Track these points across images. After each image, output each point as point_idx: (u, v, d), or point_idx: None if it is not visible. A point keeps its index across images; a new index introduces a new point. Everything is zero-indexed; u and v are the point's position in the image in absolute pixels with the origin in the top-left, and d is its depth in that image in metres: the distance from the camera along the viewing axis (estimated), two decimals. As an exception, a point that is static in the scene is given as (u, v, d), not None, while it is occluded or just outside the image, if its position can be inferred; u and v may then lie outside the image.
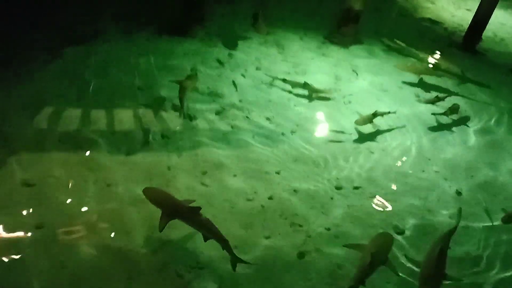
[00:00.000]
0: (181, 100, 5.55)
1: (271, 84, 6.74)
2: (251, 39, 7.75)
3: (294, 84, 6.68)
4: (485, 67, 8.68)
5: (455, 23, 10.44)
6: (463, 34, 9.50)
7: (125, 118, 5.49)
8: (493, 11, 9.05)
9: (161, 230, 3.74)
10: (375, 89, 7.21)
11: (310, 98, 6.60)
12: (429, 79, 7.61)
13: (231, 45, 7.46)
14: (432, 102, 6.80)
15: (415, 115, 6.75)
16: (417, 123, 6.60)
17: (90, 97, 5.70)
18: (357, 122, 6.04)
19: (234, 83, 6.53)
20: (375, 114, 6.06)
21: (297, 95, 6.61)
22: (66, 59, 6.23)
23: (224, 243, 3.78)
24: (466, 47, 9.23)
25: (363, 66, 7.77)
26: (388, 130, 6.30)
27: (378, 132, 6.21)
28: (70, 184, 4.50)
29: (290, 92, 6.63)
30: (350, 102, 6.73)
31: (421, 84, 7.49)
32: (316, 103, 6.55)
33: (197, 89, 6.16)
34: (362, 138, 6.05)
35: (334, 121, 6.27)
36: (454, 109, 6.59)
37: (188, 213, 3.83)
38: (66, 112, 5.35)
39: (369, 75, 7.54)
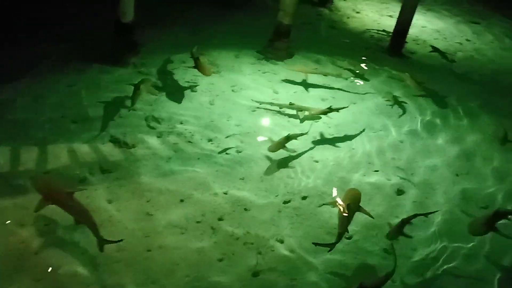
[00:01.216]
0: (133, 98, 5.87)
1: (210, 104, 6.74)
2: (186, 62, 7.70)
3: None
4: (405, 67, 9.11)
5: (380, 30, 10.98)
6: (389, 39, 10.02)
7: (60, 154, 5.25)
8: (412, 16, 9.64)
9: (35, 211, 4.08)
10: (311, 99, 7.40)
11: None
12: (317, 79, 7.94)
13: (166, 69, 7.39)
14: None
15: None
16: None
17: (22, 136, 5.41)
18: (270, 149, 5.78)
19: (153, 119, 6.27)
20: (288, 138, 5.87)
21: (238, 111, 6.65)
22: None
23: (93, 227, 4.01)
24: (393, 51, 9.74)
25: (296, 79, 7.96)
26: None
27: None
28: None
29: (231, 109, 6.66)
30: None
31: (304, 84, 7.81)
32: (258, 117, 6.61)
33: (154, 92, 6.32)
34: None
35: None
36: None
37: (63, 198, 4.10)
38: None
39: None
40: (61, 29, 7.84)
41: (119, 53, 7.19)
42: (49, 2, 8.26)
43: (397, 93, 8.02)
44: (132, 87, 6.05)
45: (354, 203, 4.50)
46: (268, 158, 5.88)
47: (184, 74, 7.36)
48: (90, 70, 6.93)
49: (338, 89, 7.88)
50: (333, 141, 6.50)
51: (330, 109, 6.57)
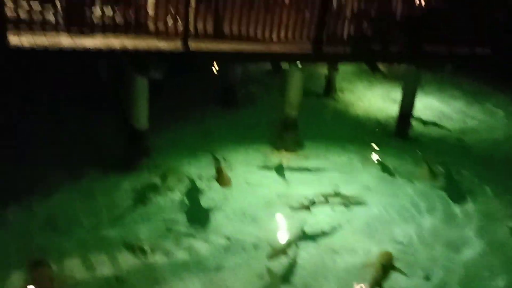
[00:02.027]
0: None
1: (224, 199, 6.73)
2: (200, 160, 7.85)
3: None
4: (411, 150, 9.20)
5: (386, 115, 11.28)
6: (395, 123, 10.25)
7: (75, 266, 5.14)
8: (414, 99, 9.94)
9: None
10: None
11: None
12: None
13: (180, 172, 7.47)
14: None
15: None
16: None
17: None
18: (269, 256, 5.46)
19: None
20: (289, 243, 5.71)
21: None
22: (8, 224, 5.78)
23: None
24: (400, 134, 9.93)
25: (308, 169, 8.02)
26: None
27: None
28: None
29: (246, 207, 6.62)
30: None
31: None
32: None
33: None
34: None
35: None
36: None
37: None
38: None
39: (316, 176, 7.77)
40: (72, 136, 8.11)
41: (132, 159, 7.32)
42: (58, 108, 8.63)
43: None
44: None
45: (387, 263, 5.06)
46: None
47: (197, 174, 7.46)
48: (104, 177, 6.99)
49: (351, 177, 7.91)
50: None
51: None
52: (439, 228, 6.58)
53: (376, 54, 8.69)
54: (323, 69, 12.72)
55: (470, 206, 7.28)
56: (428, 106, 12.26)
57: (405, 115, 10.00)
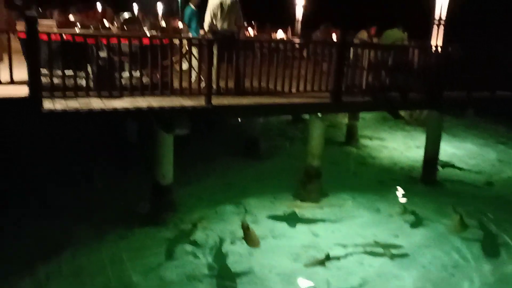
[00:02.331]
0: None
1: (250, 255, 6.66)
2: (224, 216, 7.87)
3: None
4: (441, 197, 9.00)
5: (410, 161, 11.18)
6: (420, 169, 10.13)
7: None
8: (439, 144, 9.86)
9: None
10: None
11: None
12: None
13: (207, 226, 7.50)
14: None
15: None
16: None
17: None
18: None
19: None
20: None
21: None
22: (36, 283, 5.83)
23: None
24: (426, 181, 9.77)
25: (334, 219, 7.92)
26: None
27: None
28: None
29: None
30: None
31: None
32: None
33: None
34: None
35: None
36: None
37: None
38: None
39: (342, 226, 7.65)
40: (99, 194, 8.26)
41: (158, 214, 7.39)
42: (87, 166, 8.89)
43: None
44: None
45: None
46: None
47: (223, 228, 7.46)
48: (130, 233, 7.04)
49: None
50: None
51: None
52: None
53: (395, 102, 8.76)
54: (344, 118, 12.85)
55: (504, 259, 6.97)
56: (453, 150, 12.12)
57: (430, 160, 9.89)
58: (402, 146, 12.58)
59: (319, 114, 8.23)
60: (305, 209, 8.26)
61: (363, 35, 10.60)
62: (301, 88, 7.64)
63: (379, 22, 10.75)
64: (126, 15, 8.58)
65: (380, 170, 10.61)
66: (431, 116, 9.91)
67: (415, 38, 10.17)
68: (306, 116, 10.39)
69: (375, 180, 9.91)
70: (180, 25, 10.69)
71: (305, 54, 8.28)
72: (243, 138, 11.17)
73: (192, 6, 8.66)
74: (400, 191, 9.27)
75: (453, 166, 10.95)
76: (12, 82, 5.81)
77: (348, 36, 8.24)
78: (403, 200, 8.92)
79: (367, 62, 8.07)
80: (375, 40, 10.65)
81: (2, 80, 5.79)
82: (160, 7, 26.93)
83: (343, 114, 12.42)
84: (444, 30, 9.58)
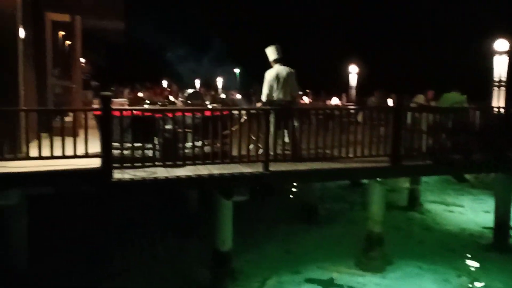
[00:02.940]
0: None
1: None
2: (286, 281, 7.70)
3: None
4: None
5: (479, 226, 10.50)
6: (491, 235, 9.47)
7: None
8: (509, 210, 9.24)
9: None
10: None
11: None
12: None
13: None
14: None
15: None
16: None
17: None
18: None
19: None
20: None
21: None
22: None
23: None
24: (498, 247, 9.09)
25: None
26: None
27: None
28: None
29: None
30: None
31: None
32: None
33: None
34: None
35: None
36: None
37: None
38: None
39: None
40: (159, 261, 8.34)
41: (218, 282, 7.38)
42: (137, 243, 9.09)
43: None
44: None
45: None
46: None
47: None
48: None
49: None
50: None
51: None
52: None
53: (458, 165, 8.46)
54: (405, 182, 12.48)
55: None
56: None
57: (501, 225, 9.23)
58: (469, 211, 11.88)
59: (379, 179, 8.10)
60: (368, 279, 7.91)
61: (419, 99, 10.58)
62: (359, 153, 7.64)
63: (436, 86, 10.72)
64: (190, 90, 9.25)
65: (446, 237, 10.01)
66: (498, 178, 9.40)
67: (475, 100, 9.99)
68: (365, 181, 10.23)
69: (441, 248, 9.34)
70: (238, 96, 11.26)
71: (360, 119, 8.35)
72: (301, 204, 11.11)
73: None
74: (470, 260, 8.65)
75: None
76: (86, 155, 6.32)
77: (404, 100, 8.26)
78: (473, 269, 8.29)
79: (426, 125, 7.98)
80: (432, 103, 10.56)
81: (78, 153, 6.31)
82: (220, 81, 28.86)
83: (404, 178, 12.09)
84: (506, 90, 9.35)
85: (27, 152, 6.14)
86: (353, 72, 19.01)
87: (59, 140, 6.17)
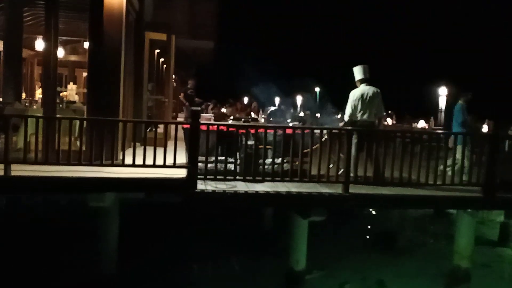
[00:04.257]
0: None
1: None
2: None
3: None
4: None
5: None
6: None
7: None
8: None
9: None
10: None
11: None
12: None
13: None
14: None
15: None
16: None
17: None
18: None
19: None
20: None
21: None
22: None
23: None
24: None
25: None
26: None
27: None
28: None
29: None
30: None
31: None
32: None
33: None
34: None
35: None
36: None
37: None
38: None
39: None
40: (231, 278, 8.38)
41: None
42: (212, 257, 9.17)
43: None
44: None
45: None
46: None
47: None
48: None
49: None
50: None
51: None
52: None
53: None
54: (498, 215, 11.49)
55: None
56: None
57: None
58: None
59: (469, 210, 7.56)
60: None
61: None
62: (448, 180, 7.21)
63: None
64: (272, 108, 9.43)
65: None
66: None
67: None
68: (452, 211, 9.58)
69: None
70: (318, 115, 11.17)
71: (451, 145, 7.88)
72: (380, 230, 10.68)
73: (461, 102, 9.46)
74: None
75: None
76: (174, 165, 6.68)
77: (503, 128, 7.67)
78: None
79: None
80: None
81: (167, 163, 6.70)
82: (299, 99, 29.09)
83: (497, 211, 11.14)
84: None
85: (123, 160, 6.64)
86: (442, 94, 18.03)
87: (151, 150, 6.60)
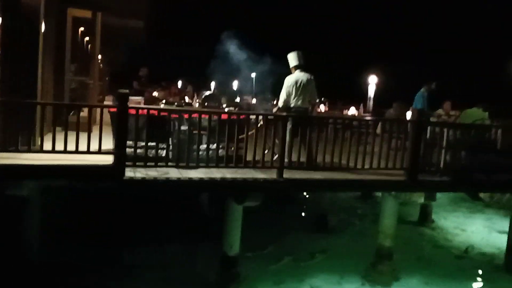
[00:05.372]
0: None
1: None
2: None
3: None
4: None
5: (491, 247, 10.26)
6: (502, 257, 9.24)
7: None
8: (525, 231, 9.02)
9: None
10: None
11: None
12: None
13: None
14: None
15: None
16: None
17: None
18: None
19: None
20: None
21: None
22: None
23: None
24: (509, 270, 8.86)
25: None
26: None
27: None
28: None
29: None
30: None
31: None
32: None
33: None
34: None
35: None
36: None
37: None
38: None
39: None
40: (168, 262, 8.25)
41: (222, 285, 7.30)
42: (148, 243, 9.01)
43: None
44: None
45: None
46: None
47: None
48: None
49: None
50: None
51: None
52: None
53: (476, 184, 8.27)
54: (418, 197, 12.25)
55: None
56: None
57: (514, 248, 9.02)
58: (482, 230, 11.63)
59: (393, 192, 7.95)
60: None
61: (438, 111, 10.39)
62: (374, 164, 7.50)
63: (458, 100, 10.53)
64: (207, 92, 9.22)
65: (457, 256, 9.80)
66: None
67: (499, 117, 9.77)
68: (378, 193, 10.08)
69: (451, 266, 9.13)
70: (254, 101, 11.18)
71: (379, 131, 8.20)
72: (313, 213, 10.98)
73: (423, 90, 9.62)
74: (479, 281, 8.44)
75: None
76: (99, 151, 6.28)
77: (425, 114, 8.11)
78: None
79: (445, 140, 7.82)
80: (451, 113, 10.38)
81: (91, 149, 6.27)
82: (235, 84, 28.85)
83: (418, 193, 11.88)
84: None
85: (41, 145, 6.11)
86: (372, 82, 18.83)
87: (73, 135, 6.14)
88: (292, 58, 7.89)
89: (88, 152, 6.23)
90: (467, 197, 14.26)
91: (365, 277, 8.23)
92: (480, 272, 8.90)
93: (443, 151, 7.85)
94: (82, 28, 14.48)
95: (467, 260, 9.60)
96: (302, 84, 7.69)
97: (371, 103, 18.45)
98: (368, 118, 11.61)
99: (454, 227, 11.81)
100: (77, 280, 7.19)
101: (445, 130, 7.88)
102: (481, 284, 8.39)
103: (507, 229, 9.28)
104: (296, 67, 7.85)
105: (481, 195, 13.66)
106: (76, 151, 6.16)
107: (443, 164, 7.91)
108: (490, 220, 12.53)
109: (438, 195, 12.29)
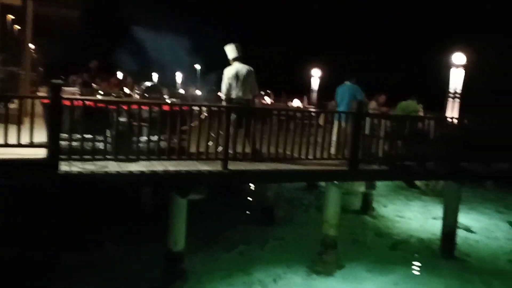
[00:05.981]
0: None
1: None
2: (236, 283, 7.54)
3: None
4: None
5: (428, 233, 10.79)
6: (438, 242, 9.74)
7: None
8: (457, 217, 9.55)
9: None
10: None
11: None
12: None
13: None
14: None
15: None
16: None
17: None
18: None
19: None
20: None
21: None
22: None
23: None
24: (444, 254, 9.36)
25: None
26: None
27: None
28: None
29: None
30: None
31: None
32: None
33: None
34: None
35: None
36: None
37: None
38: None
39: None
40: (107, 259, 8.00)
41: (169, 283, 7.12)
42: (88, 241, 8.66)
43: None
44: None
45: None
46: None
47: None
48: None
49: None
50: None
51: None
52: None
53: (412, 172, 8.64)
54: (360, 186, 12.65)
55: None
56: (472, 223, 11.71)
57: (448, 233, 9.52)
58: (419, 217, 12.22)
59: (336, 182, 8.12)
60: (319, 282, 7.89)
61: (371, 104, 10.72)
62: (318, 155, 7.61)
63: (392, 92, 10.90)
64: (148, 83, 8.90)
65: (396, 242, 10.21)
66: (448, 186, 9.70)
67: (430, 109, 10.25)
68: (322, 183, 10.26)
69: (391, 253, 9.52)
70: (199, 92, 10.99)
71: (322, 122, 8.33)
72: (259, 204, 10.99)
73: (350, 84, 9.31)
74: (418, 266, 8.84)
75: (472, 240, 10.52)
76: (31, 144, 5.88)
77: (363, 106, 8.33)
78: (419, 275, 8.48)
79: (383, 131, 8.08)
80: (384, 109, 10.75)
81: (22, 142, 5.86)
82: (179, 76, 28.12)
83: (359, 182, 12.25)
84: (460, 102, 9.67)
85: (-35, 139, 5.62)
86: (315, 75, 19.23)
87: (2, 127, 5.69)
88: (231, 50, 7.83)
89: (18, 145, 5.80)
90: (405, 186, 14.95)
91: (311, 267, 8.36)
92: (418, 257, 9.30)
93: (381, 141, 8.12)
94: (12, 16, 13.51)
95: (407, 245, 10.03)
96: (242, 76, 7.64)
97: (314, 95, 18.87)
98: (312, 109, 11.80)
99: (394, 214, 12.31)
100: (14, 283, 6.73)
101: (383, 121, 8.14)
102: (419, 268, 8.78)
103: (441, 215, 9.79)
104: (234, 59, 7.79)
105: (417, 183, 14.35)
106: (5, 145, 5.72)
107: (382, 154, 8.18)
108: (426, 207, 13.20)
109: (378, 184, 12.82)
